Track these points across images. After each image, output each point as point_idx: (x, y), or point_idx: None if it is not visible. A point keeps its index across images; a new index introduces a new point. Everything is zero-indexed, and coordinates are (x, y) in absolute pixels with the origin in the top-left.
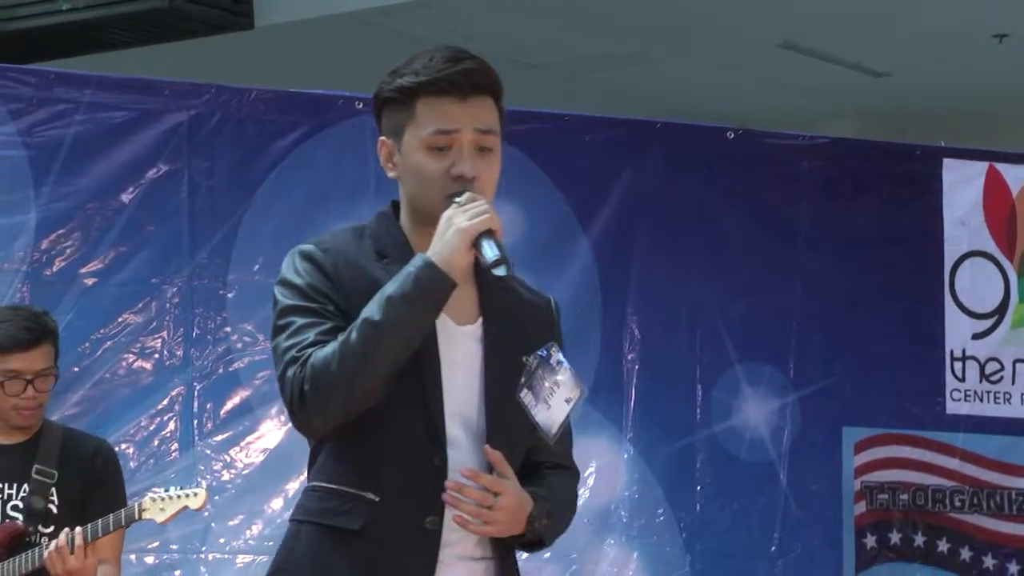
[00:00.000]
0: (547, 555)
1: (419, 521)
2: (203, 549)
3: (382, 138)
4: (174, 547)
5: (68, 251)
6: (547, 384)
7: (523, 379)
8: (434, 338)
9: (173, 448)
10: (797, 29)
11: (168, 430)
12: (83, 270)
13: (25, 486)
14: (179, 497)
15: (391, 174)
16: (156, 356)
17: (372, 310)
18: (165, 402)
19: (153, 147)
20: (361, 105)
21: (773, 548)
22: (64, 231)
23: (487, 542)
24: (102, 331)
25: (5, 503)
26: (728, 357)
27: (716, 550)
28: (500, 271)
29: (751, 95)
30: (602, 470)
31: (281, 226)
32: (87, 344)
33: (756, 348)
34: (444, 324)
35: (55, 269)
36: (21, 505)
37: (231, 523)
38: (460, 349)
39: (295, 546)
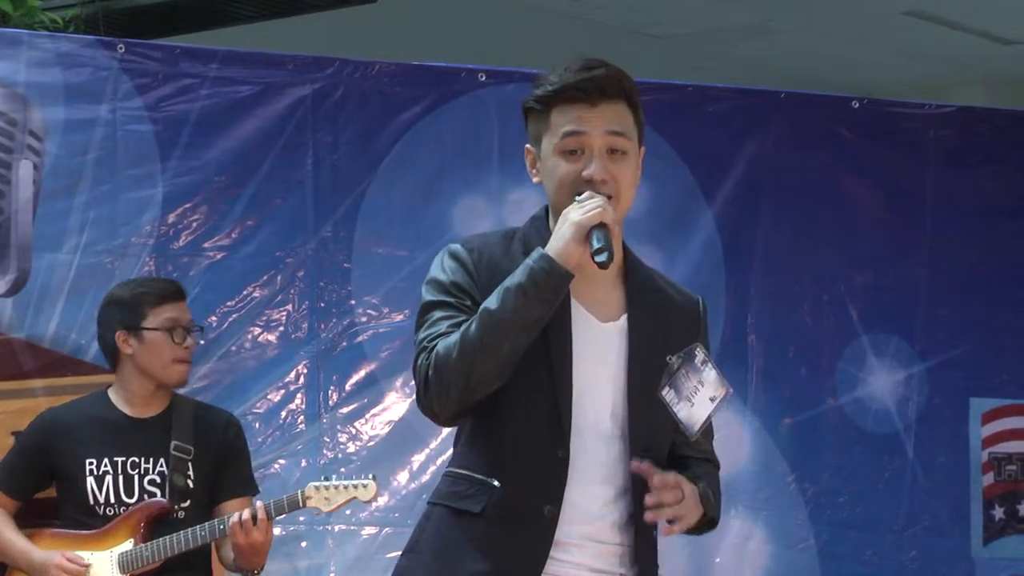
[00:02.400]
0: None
1: (538, 508)
2: (329, 520)
3: (527, 146)
4: (301, 519)
5: (194, 225)
6: (691, 383)
7: (665, 378)
8: (568, 335)
9: (299, 420)
10: None
11: (294, 403)
12: (209, 244)
13: (162, 461)
14: (346, 488)
15: (535, 180)
16: (281, 329)
17: (491, 300)
18: (291, 375)
19: (277, 121)
20: (484, 77)
21: (899, 520)
22: (190, 205)
23: (624, 529)
24: (228, 304)
25: (142, 477)
26: (854, 328)
27: (841, 522)
28: (601, 258)
29: (877, 64)
30: (725, 441)
31: (405, 199)
32: (213, 317)
33: (882, 319)
34: (587, 321)
35: (181, 243)
36: (158, 480)
37: None
38: (602, 345)
39: (426, 526)
